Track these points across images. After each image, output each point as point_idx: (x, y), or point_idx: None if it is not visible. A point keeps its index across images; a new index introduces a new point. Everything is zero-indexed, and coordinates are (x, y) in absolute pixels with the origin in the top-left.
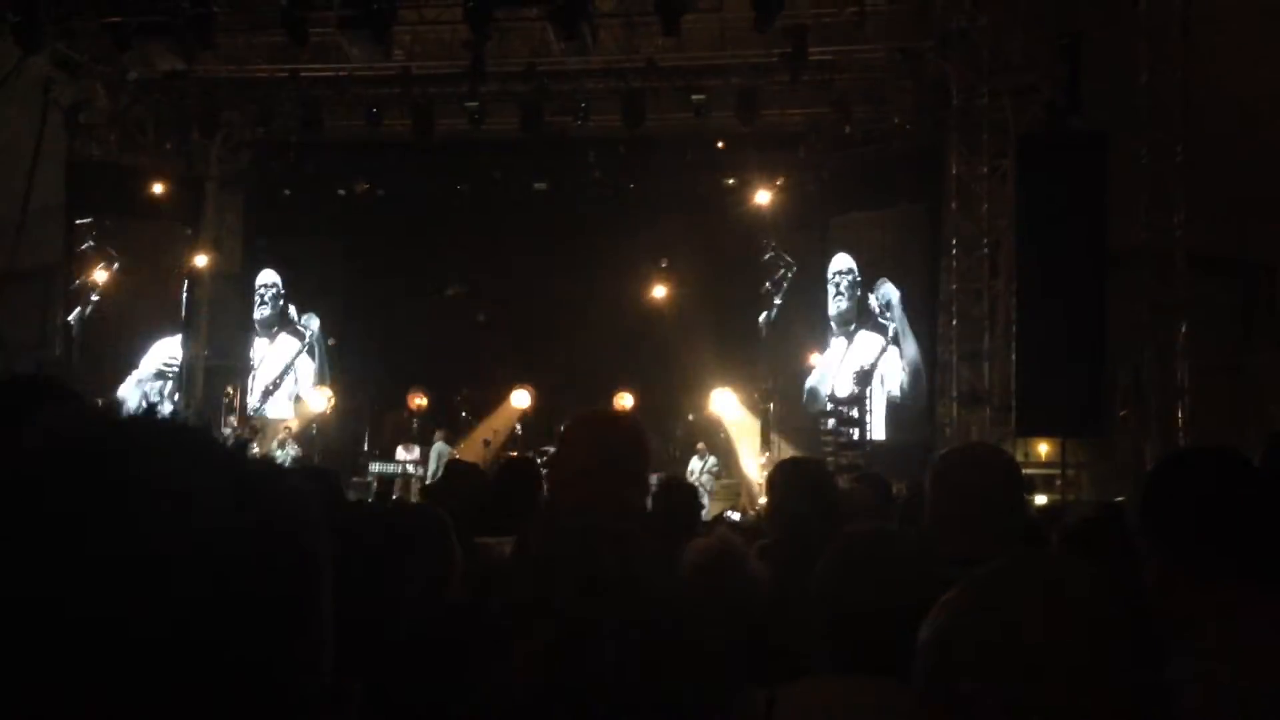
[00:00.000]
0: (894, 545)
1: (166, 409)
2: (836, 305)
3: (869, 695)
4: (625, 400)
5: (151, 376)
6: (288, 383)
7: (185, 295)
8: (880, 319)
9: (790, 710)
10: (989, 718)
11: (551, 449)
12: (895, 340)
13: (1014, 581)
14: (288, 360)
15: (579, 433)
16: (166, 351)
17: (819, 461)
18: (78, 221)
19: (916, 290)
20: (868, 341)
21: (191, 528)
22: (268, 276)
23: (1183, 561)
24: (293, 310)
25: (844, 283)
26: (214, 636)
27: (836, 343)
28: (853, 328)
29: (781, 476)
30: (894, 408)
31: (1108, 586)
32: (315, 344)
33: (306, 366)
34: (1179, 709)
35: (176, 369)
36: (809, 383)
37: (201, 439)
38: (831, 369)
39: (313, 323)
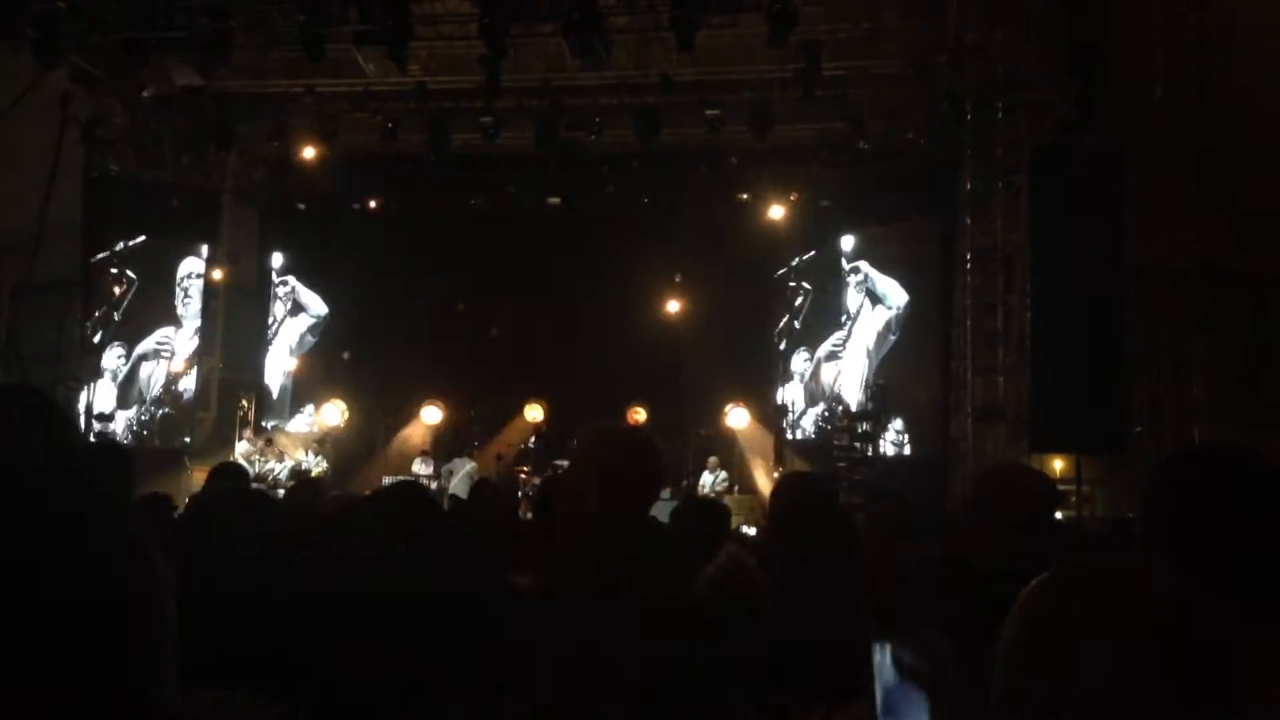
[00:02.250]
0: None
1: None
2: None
3: None
4: (639, 414)
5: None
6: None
7: (200, 310)
8: (865, 284)
9: None
10: None
11: (564, 464)
12: (873, 295)
13: (1102, 590)
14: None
15: (592, 448)
16: (161, 334)
17: (825, 477)
18: (95, 236)
19: (931, 305)
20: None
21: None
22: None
23: (1188, 572)
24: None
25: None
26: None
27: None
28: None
29: (786, 491)
30: (908, 423)
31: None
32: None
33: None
34: None
35: (169, 350)
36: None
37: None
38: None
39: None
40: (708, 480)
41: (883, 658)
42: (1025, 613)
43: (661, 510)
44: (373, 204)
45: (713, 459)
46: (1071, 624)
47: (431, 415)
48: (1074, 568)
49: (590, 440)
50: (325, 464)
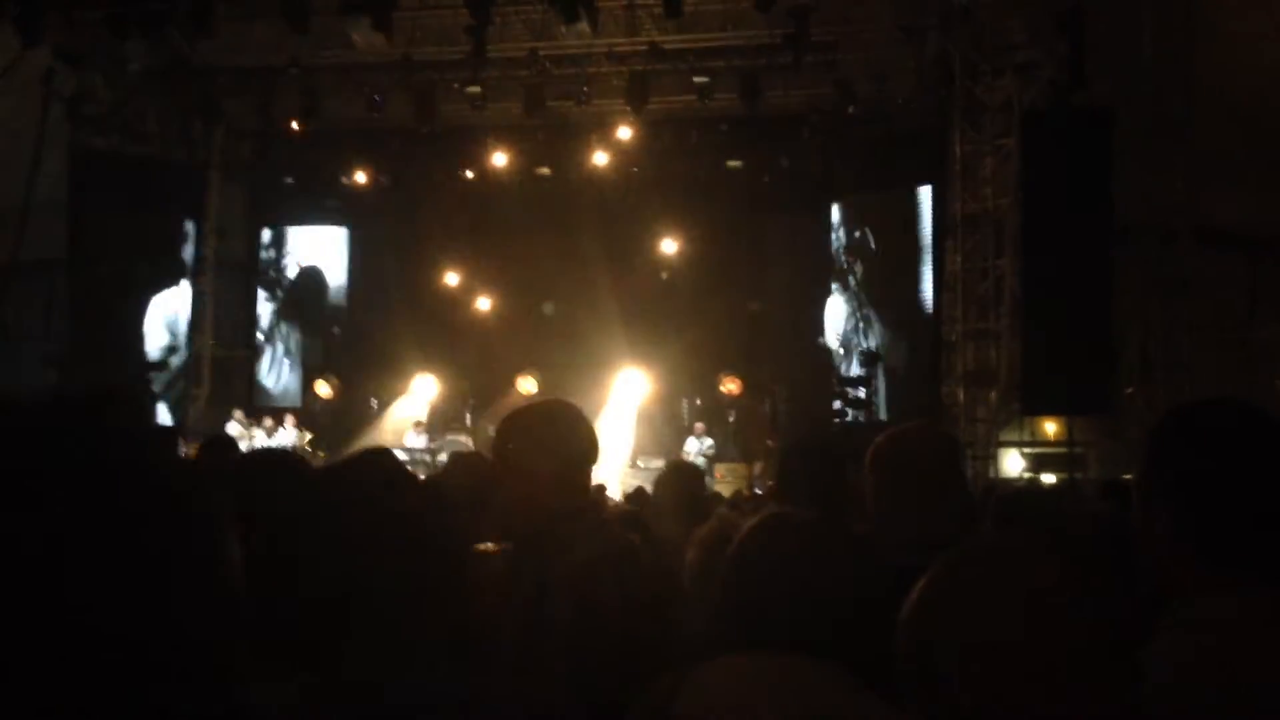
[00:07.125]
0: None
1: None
2: None
3: (777, 673)
4: (632, 376)
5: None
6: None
7: (191, 285)
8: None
9: (695, 693)
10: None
11: None
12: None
13: (990, 574)
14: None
15: (520, 431)
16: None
17: (830, 450)
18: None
19: (922, 269)
20: None
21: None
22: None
23: (1189, 537)
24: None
25: None
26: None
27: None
28: None
29: (793, 463)
30: (898, 388)
31: (1082, 574)
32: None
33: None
34: (1149, 688)
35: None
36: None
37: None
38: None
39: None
40: (693, 447)
41: None
42: (921, 607)
43: (647, 477)
44: (361, 176)
45: (699, 425)
46: (962, 623)
47: (424, 388)
48: (961, 560)
49: (521, 418)
50: (311, 440)
